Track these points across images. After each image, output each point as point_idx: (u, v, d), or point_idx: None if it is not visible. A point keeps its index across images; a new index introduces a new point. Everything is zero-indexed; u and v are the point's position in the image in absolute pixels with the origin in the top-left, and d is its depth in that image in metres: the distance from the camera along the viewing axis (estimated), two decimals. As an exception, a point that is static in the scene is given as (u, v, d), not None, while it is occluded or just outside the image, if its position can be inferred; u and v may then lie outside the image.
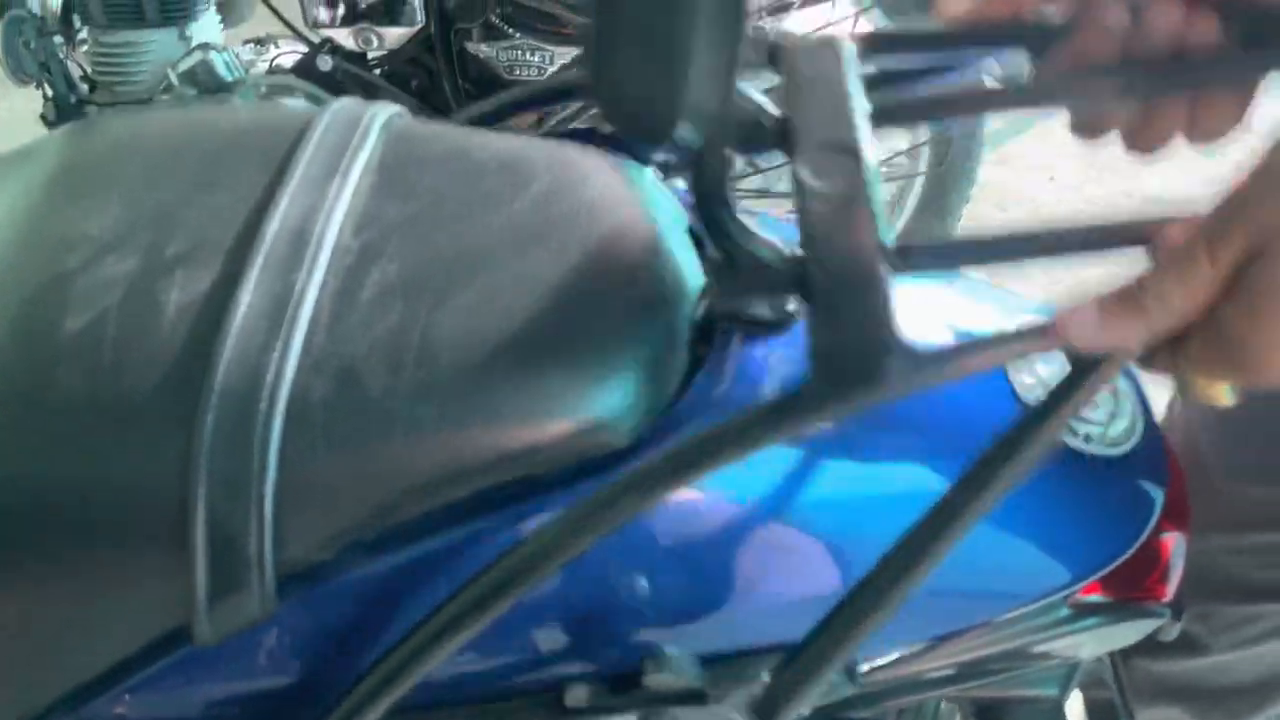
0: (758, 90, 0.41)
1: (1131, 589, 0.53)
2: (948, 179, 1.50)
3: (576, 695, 0.42)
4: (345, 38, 1.36)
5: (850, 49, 0.42)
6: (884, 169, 1.50)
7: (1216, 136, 0.43)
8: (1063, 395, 0.37)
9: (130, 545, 0.39)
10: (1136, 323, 0.34)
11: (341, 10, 1.35)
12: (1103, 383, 0.37)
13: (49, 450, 0.40)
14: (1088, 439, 0.48)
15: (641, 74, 0.34)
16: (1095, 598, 0.53)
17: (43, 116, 1.47)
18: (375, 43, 1.36)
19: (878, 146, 0.38)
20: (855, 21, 1.41)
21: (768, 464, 0.45)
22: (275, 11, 1.47)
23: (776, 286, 0.41)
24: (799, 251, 0.37)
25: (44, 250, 0.43)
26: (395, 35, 1.36)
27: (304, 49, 1.50)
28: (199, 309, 0.41)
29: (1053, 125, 2.54)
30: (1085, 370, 0.37)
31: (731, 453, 0.36)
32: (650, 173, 0.51)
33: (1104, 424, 0.49)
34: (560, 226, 0.45)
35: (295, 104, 1.38)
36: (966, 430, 0.48)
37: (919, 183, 1.52)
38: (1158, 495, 0.50)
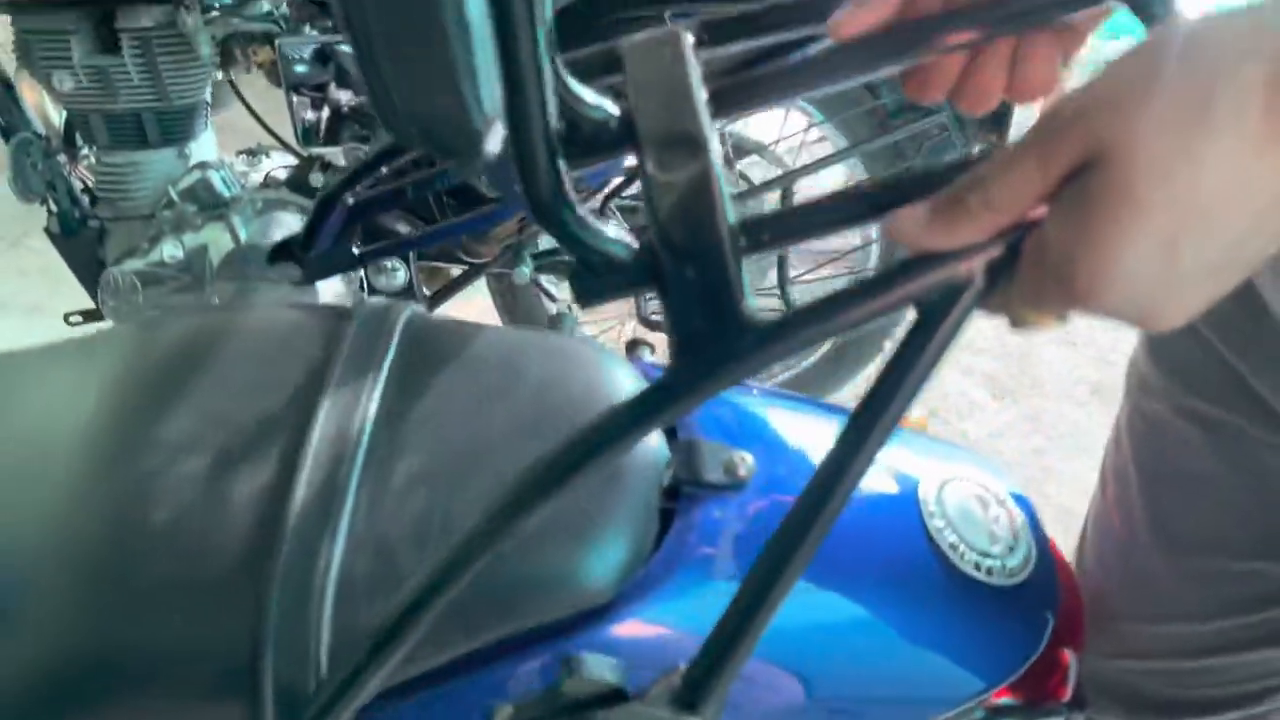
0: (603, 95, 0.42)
1: (1036, 691, 0.63)
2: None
3: (503, 714, 0.44)
4: (335, 155, 1.46)
5: (688, 39, 0.42)
6: (841, 267, 1.63)
7: (1036, 90, 0.45)
8: (914, 347, 0.36)
9: (209, 702, 0.48)
10: (963, 222, 0.33)
11: (331, 128, 1.45)
12: (952, 332, 0.36)
13: (141, 624, 0.49)
14: (989, 572, 0.59)
15: (419, 91, 0.32)
16: (1006, 700, 0.63)
17: (47, 230, 1.55)
18: (364, 159, 1.46)
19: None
20: (805, 132, 1.54)
21: (701, 594, 0.54)
22: (266, 127, 1.57)
23: (632, 281, 0.39)
24: (648, 243, 0.38)
25: (130, 451, 0.53)
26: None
27: (293, 159, 1.61)
28: (262, 502, 0.50)
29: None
30: (932, 320, 0.36)
31: (611, 448, 0.38)
32: (620, 359, 0.61)
33: (1002, 558, 0.59)
34: (551, 416, 0.55)
35: (289, 217, 1.48)
36: (880, 568, 0.58)
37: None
38: (1050, 615, 0.60)
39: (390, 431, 0.53)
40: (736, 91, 0.45)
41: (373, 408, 0.54)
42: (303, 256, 0.72)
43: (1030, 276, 0.33)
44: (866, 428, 0.37)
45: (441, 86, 0.30)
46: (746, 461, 0.57)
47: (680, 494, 0.57)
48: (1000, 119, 1.44)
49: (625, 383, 0.59)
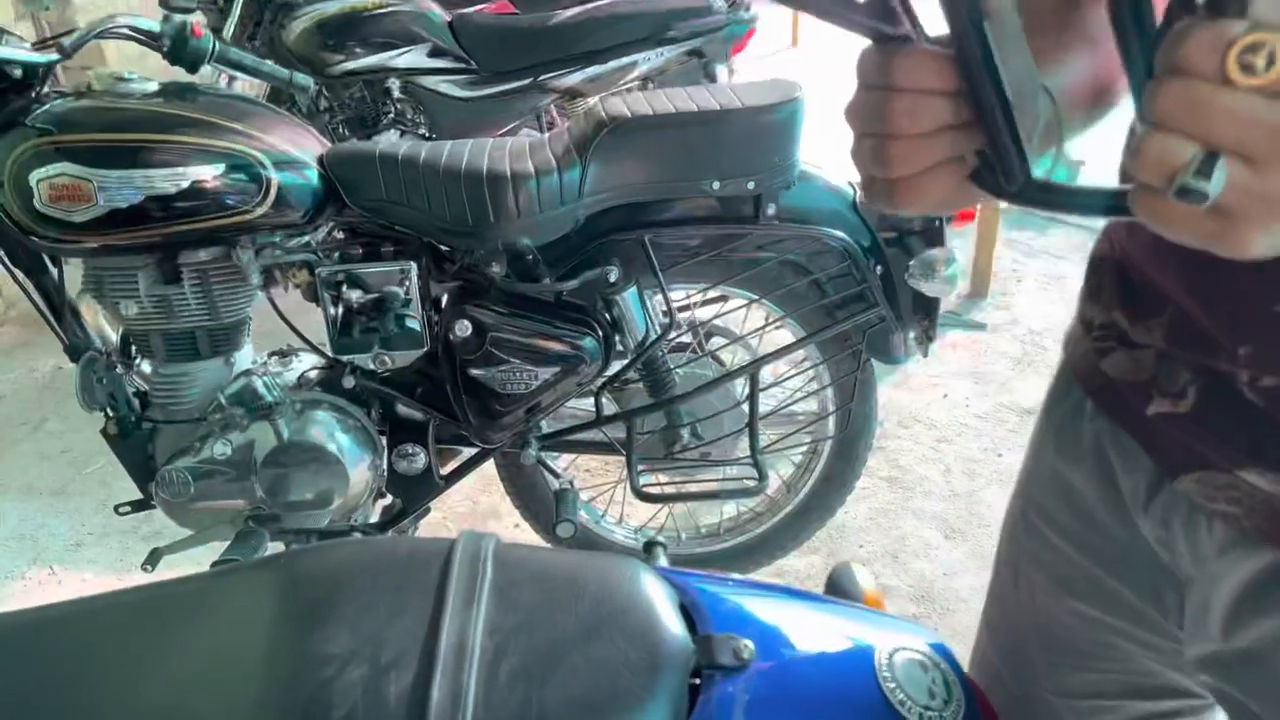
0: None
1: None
2: (851, 440, 1.86)
3: None
4: (364, 360, 1.69)
5: None
6: (804, 435, 1.87)
7: None
8: None
9: None
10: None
11: (361, 339, 1.67)
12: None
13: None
14: (931, 721, 0.79)
15: None
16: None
17: (103, 431, 1.75)
18: (389, 363, 1.69)
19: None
20: (766, 325, 1.81)
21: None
22: (303, 337, 1.79)
23: None
24: None
25: (305, 661, 0.73)
26: (405, 357, 1.69)
27: (320, 360, 1.83)
28: (409, 702, 0.70)
29: (943, 350, 2.97)
30: None
31: None
32: (649, 569, 0.83)
33: (939, 710, 0.80)
34: (606, 622, 0.76)
35: (325, 415, 1.69)
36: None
37: (829, 444, 1.89)
38: (978, 751, 0.81)
39: (493, 640, 0.74)
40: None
41: (481, 624, 0.74)
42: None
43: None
44: None
45: None
46: (749, 647, 0.78)
47: (702, 675, 0.78)
48: (930, 309, 1.72)
49: (654, 591, 0.80)
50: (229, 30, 2.97)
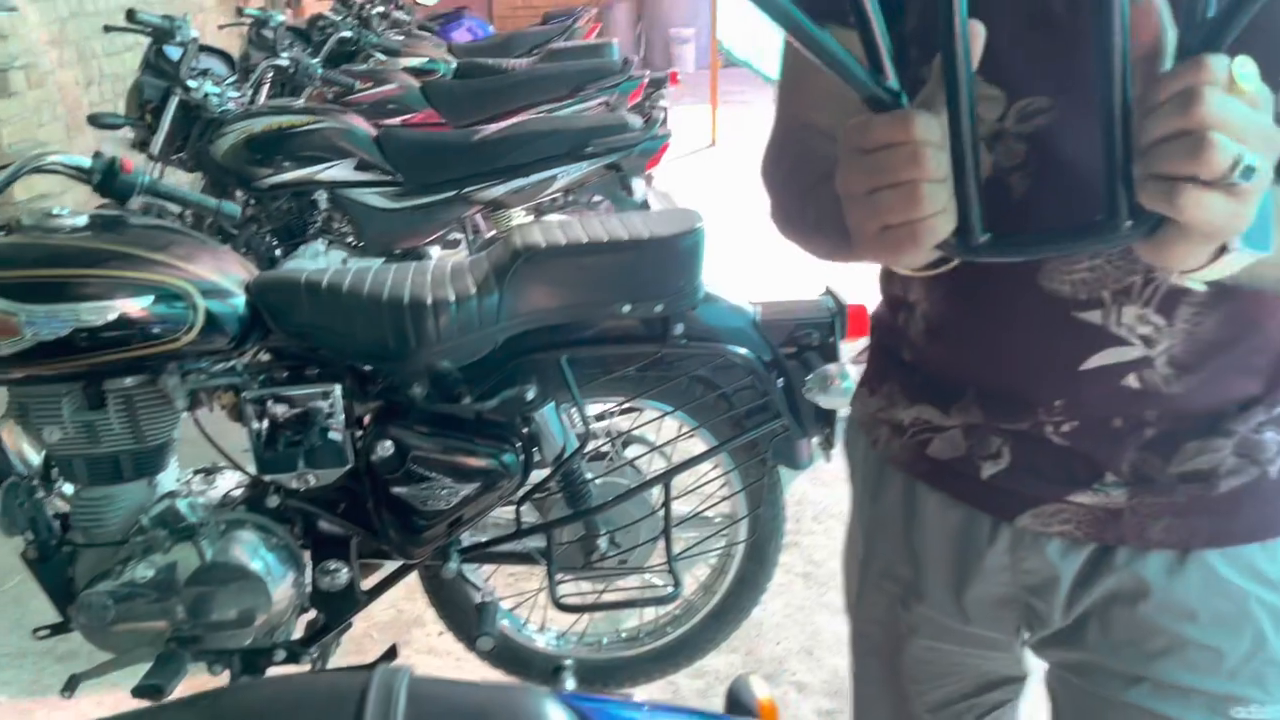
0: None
1: None
2: (761, 543, 1.95)
3: None
4: (288, 480, 1.73)
5: None
6: (718, 540, 1.95)
7: None
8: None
9: None
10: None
11: (285, 458, 1.71)
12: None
13: None
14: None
15: None
16: None
17: (23, 555, 1.75)
18: (312, 481, 1.73)
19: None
20: (679, 435, 1.90)
21: None
22: (228, 456, 1.82)
23: None
24: None
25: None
26: (329, 475, 1.73)
27: (243, 476, 1.86)
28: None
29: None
30: None
31: None
32: (555, 700, 0.90)
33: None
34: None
35: (249, 534, 1.72)
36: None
37: (741, 547, 1.97)
38: None
39: (408, 773, 0.80)
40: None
41: (394, 755, 0.80)
42: None
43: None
44: None
45: None
46: (649, 768, 0.85)
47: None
48: (830, 418, 1.83)
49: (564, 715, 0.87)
50: (157, 145, 3.04)
